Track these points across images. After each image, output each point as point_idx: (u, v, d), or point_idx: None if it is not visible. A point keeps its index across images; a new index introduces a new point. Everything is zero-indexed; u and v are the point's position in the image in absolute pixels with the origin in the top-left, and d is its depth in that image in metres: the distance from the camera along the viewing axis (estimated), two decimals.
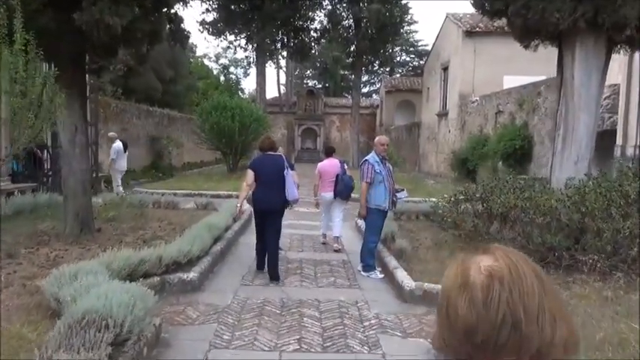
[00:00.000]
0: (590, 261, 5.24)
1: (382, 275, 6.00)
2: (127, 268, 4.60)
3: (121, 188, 12.30)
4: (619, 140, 10.35)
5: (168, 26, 7.59)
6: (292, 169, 6.19)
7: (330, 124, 41.09)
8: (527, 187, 6.40)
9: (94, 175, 12.97)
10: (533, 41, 7.28)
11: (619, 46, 6.69)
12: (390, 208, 6.26)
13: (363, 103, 34.94)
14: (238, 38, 29.22)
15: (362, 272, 6.12)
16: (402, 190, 6.44)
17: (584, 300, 4.68)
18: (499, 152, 15.41)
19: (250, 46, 29.56)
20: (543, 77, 16.16)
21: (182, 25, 8.46)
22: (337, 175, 7.29)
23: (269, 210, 5.76)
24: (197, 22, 28.17)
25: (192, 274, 5.17)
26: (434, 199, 9.31)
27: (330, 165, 7.74)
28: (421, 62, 54.52)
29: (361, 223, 9.03)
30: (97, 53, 6.76)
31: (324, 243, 8.03)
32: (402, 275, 5.44)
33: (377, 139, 6.34)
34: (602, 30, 6.16)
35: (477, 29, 20.38)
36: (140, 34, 6.42)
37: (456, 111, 21.25)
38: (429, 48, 53.80)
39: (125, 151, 12.79)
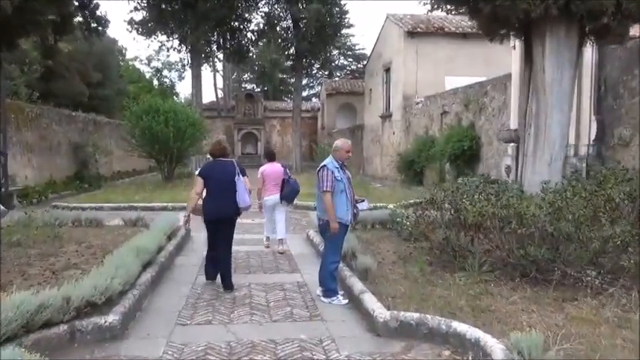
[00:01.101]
0: (583, 276, 4.63)
1: (346, 301, 5.14)
2: (20, 319, 3.45)
3: None
4: (572, 139, 10.11)
5: (80, 13, 6.35)
6: (244, 174, 5.78)
7: (271, 128, 40.05)
8: (501, 192, 5.77)
9: (1, 189, 11.27)
10: (499, 33, 6.67)
11: (589, 38, 6.23)
12: (352, 221, 5.42)
13: (304, 106, 34.25)
14: (171, 39, 27.60)
15: (322, 298, 5.23)
16: (363, 200, 5.62)
17: (585, 324, 4.03)
18: (447, 154, 15.07)
19: (184, 48, 28.03)
20: (483, 78, 16.06)
21: (99, 12, 7.20)
22: (283, 179, 7.46)
23: (221, 219, 5.59)
24: (125, 21, 26.27)
25: (111, 317, 4.05)
26: (390, 206, 8.59)
27: (272, 169, 7.83)
28: (359, 66, 54.92)
29: (314, 235, 8.17)
30: None
31: (267, 247, 8.00)
32: (371, 302, 4.60)
33: (339, 143, 5.41)
34: (575, 19, 5.67)
35: (419, 30, 20.17)
36: (42, 20, 5.21)
37: (400, 112, 20.92)
38: (366, 52, 54.08)
39: None
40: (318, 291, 5.33)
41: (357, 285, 5.14)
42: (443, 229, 5.92)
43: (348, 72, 52.41)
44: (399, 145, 20.85)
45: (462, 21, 22.07)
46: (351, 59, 55.35)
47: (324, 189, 5.08)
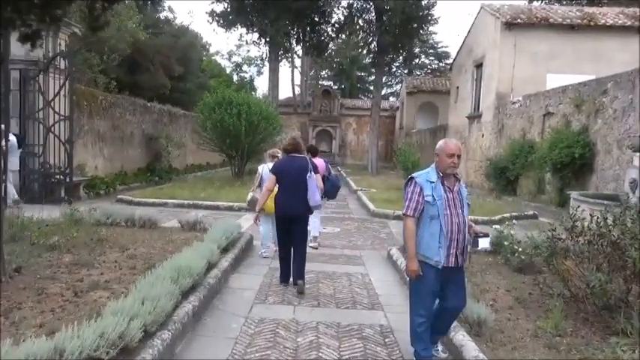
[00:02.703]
0: None
1: (446, 355, 3.67)
2: None
3: (13, 193, 9.53)
4: None
5: None
6: (316, 172, 5.58)
7: (347, 126, 38.76)
8: None
9: (67, 179, 10.78)
10: None
11: None
12: (456, 263, 3.63)
13: (382, 105, 32.69)
14: (250, 31, 27.03)
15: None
16: (486, 235, 3.84)
17: None
18: (551, 161, 12.94)
19: (263, 41, 27.38)
20: (592, 76, 13.71)
21: None
22: (324, 176, 6.85)
23: (293, 216, 5.42)
24: (206, 12, 26.03)
25: None
26: (496, 226, 6.91)
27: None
28: (441, 65, 52.47)
29: (397, 255, 6.71)
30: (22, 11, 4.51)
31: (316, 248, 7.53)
32: None
33: (440, 144, 3.68)
34: None
35: (519, 20, 17.92)
36: None
37: (491, 113, 18.79)
38: (449, 50, 51.83)
39: (20, 147, 10.00)
40: (410, 348, 3.87)
41: (468, 347, 3.62)
42: (592, 271, 4.22)
43: (429, 71, 50.06)
44: (489, 149, 18.74)
45: (570, 11, 19.53)
46: (432, 57, 53.04)
47: (404, 211, 3.60)
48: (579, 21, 17.88)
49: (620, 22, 17.79)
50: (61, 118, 10.77)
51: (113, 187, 13.30)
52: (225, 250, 6.16)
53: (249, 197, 7.09)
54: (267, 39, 26.44)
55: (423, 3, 23.97)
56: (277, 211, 5.50)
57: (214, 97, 16.43)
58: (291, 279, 5.52)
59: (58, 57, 10.65)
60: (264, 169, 6.81)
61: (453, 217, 3.51)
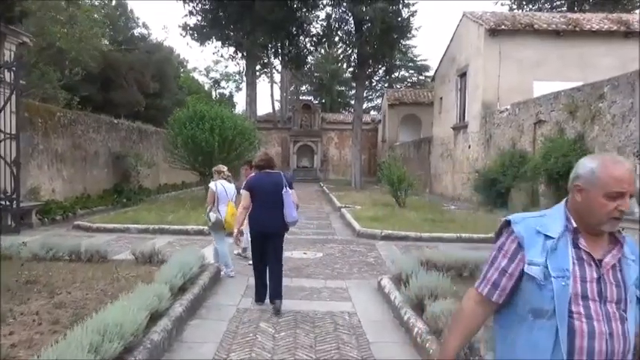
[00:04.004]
0: None
1: None
2: None
3: None
4: None
5: None
6: (291, 187, 5.35)
7: (328, 140, 37.93)
8: None
9: (13, 205, 9.56)
10: None
11: None
12: None
13: (364, 118, 31.94)
14: (226, 45, 26.10)
15: None
16: None
17: None
18: (546, 171, 12.13)
19: (239, 54, 26.46)
20: (579, 83, 13.06)
21: None
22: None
23: (269, 233, 5.28)
24: (179, 26, 25.05)
25: None
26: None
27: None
28: (421, 77, 52.26)
29: (389, 287, 5.69)
30: None
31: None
32: None
33: (595, 167, 1.77)
34: None
35: (503, 27, 17.31)
36: None
37: (477, 123, 18.05)
38: (428, 63, 51.80)
39: None
40: None
41: None
42: None
43: (409, 84, 49.86)
44: (477, 161, 17.95)
45: (554, 17, 19.04)
46: (412, 70, 52.91)
47: (477, 286, 1.85)
48: (564, 27, 17.35)
49: (605, 27, 17.31)
50: (7, 136, 9.59)
51: (73, 211, 12.07)
52: (182, 290, 5.07)
53: (213, 218, 6.46)
54: (244, 52, 25.56)
55: (403, 12, 23.37)
56: (253, 228, 5.34)
57: (185, 111, 15.36)
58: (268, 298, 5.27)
59: (2, 68, 9.50)
60: (217, 186, 6.57)
61: (596, 323, 1.60)
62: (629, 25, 17.41)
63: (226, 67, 52.80)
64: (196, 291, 5.19)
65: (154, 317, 4.10)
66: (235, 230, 5.48)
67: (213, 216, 6.51)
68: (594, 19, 18.02)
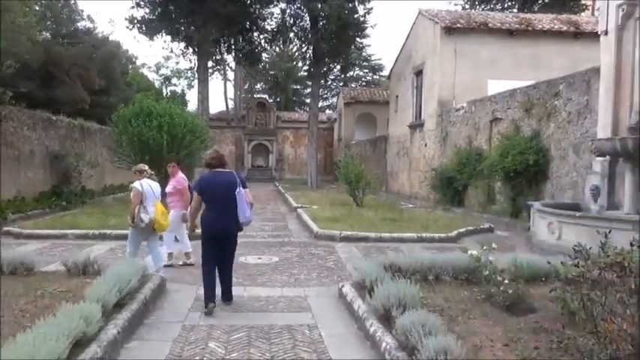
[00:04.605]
0: None
1: None
2: None
3: None
4: None
5: None
6: (245, 186, 5.21)
7: (284, 139, 37.32)
8: None
9: None
10: None
11: None
12: None
13: (319, 117, 31.55)
14: (176, 39, 25.02)
15: None
16: None
17: None
18: (503, 169, 12.07)
19: (190, 50, 25.44)
20: (531, 82, 13.14)
21: None
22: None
23: (223, 235, 5.20)
24: (125, 18, 23.82)
25: None
26: (473, 252, 5.62)
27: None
28: (375, 77, 52.49)
29: (352, 294, 5.25)
30: None
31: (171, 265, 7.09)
32: None
33: None
34: None
35: (458, 25, 17.30)
36: None
37: (434, 121, 18.00)
38: (382, 62, 52.10)
39: None
40: None
41: None
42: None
43: (364, 83, 49.96)
44: (433, 159, 17.90)
45: (507, 17, 19.25)
46: (367, 70, 53.06)
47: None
48: (517, 26, 17.54)
49: (555, 27, 17.62)
50: None
51: (3, 216, 10.98)
52: (119, 307, 4.43)
53: (146, 219, 6.03)
54: (195, 48, 24.60)
55: (358, 9, 23.10)
56: (206, 230, 5.14)
57: (131, 107, 14.41)
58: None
59: None
60: (143, 185, 6.20)
61: None
62: (579, 25, 17.80)
63: (177, 63, 51.08)
64: (135, 307, 4.55)
65: (81, 343, 3.47)
66: (189, 224, 5.47)
67: (146, 217, 6.07)
68: (545, 20, 18.33)
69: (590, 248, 3.35)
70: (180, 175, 7.36)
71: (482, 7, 26.28)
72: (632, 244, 3.09)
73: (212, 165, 5.24)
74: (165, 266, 6.76)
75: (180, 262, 7.20)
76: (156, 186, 6.38)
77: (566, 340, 3.11)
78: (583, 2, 26.08)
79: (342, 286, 5.66)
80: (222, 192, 5.06)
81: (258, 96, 44.16)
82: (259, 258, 7.82)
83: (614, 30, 9.00)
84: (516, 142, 11.96)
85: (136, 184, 6.24)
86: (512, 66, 17.13)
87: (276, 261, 7.62)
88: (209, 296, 5.07)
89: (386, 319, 4.40)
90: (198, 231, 5.36)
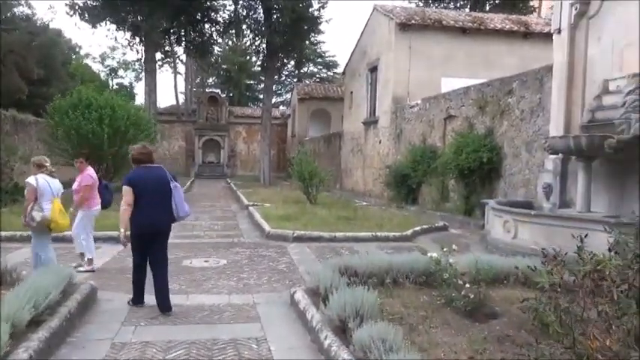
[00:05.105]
0: None
1: None
2: None
3: None
4: None
5: None
6: (175, 181, 5.10)
7: (236, 135, 36.48)
8: None
9: None
10: None
11: None
12: None
13: (273, 113, 30.94)
14: (122, 28, 23.75)
15: None
16: None
17: None
18: (457, 167, 12.02)
19: (137, 39, 24.24)
20: (484, 80, 13.21)
21: None
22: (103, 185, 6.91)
23: (156, 232, 4.98)
24: (66, 4, 22.35)
25: None
26: (433, 254, 5.33)
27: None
28: (330, 74, 52.29)
29: (305, 302, 4.84)
30: None
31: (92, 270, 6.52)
32: None
33: None
34: None
35: (413, 22, 17.21)
36: None
37: (388, 118, 17.87)
38: (337, 59, 52.00)
39: None
40: None
41: None
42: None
43: (318, 80, 49.64)
44: (387, 156, 17.77)
45: (461, 15, 19.37)
46: (321, 66, 52.73)
47: None
48: (470, 24, 17.65)
49: (507, 27, 17.86)
50: None
51: None
52: (36, 324, 3.81)
53: (38, 217, 5.51)
54: (142, 38, 23.45)
55: (313, 3, 22.69)
56: (137, 228, 4.91)
57: (69, 98, 13.38)
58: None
59: None
60: (39, 180, 5.63)
61: None
62: (528, 26, 18.12)
63: (124, 54, 49.04)
64: (56, 324, 3.94)
65: None
66: (122, 231, 4.93)
67: (38, 215, 5.53)
68: (497, 19, 18.55)
69: (563, 250, 3.08)
70: (88, 171, 6.75)
71: (436, 5, 26.47)
72: (610, 250, 2.84)
73: (140, 160, 5.08)
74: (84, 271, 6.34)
75: (82, 268, 6.50)
76: (54, 182, 5.78)
77: (540, 357, 2.81)
78: (531, 4, 26.76)
79: (295, 293, 5.24)
80: (155, 186, 4.94)
81: (210, 90, 42.95)
82: (206, 261, 7.28)
83: (567, 29, 8.99)
84: (470, 139, 11.92)
85: (31, 180, 5.66)
86: (465, 64, 17.23)
87: (224, 264, 7.10)
88: (138, 296, 5.04)
89: (342, 330, 4.02)
90: (128, 232, 4.92)
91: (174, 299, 5.07)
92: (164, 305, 4.88)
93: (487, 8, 25.59)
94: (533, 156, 10.47)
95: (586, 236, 2.94)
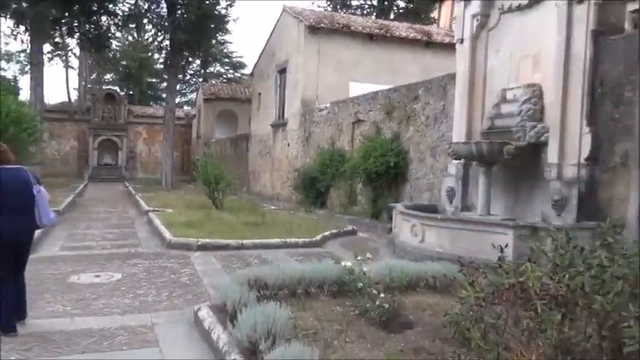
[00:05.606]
0: None
1: None
2: None
3: None
4: (552, 157, 7.64)
5: None
6: (39, 183, 4.63)
7: (136, 135, 34.42)
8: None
9: None
10: None
11: None
12: None
13: (177, 112, 29.57)
14: (4, 14, 21.29)
15: None
16: None
17: None
18: (365, 171, 12.12)
19: (22, 28, 21.89)
20: (389, 86, 13.59)
21: None
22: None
23: (20, 240, 4.55)
24: None
25: None
26: (347, 263, 5.13)
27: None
28: (237, 74, 51.31)
29: (211, 321, 4.39)
30: None
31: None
32: None
33: None
34: None
35: (322, 25, 17.22)
36: None
37: (297, 120, 17.71)
38: (244, 60, 51.24)
39: None
40: None
41: None
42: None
43: (225, 80, 48.53)
44: (296, 159, 17.60)
45: (368, 21, 19.77)
46: (227, 67, 51.62)
47: None
48: (377, 31, 18.04)
49: (411, 35, 18.50)
50: None
51: None
52: None
53: None
54: (27, 26, 21.20)
55: (221, 0, 21.93)
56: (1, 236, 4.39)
57: None
58: None
59: None
60: None
61: None
62: (431, 35, 18.92)
63: (7, 44, 44.35)
64: None
65: None
66: None
67: None
68: (402, 27, 19.17)
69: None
70: None
71: (344, 11, 26.91)
72: (529, 260, 2.77)
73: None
74: None
75: None
76: None
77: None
78: (432, 15, 28.14)
79: (199, 310, 4.76)
80: (16, 191, 4.44)
81: (108, 87, 40.19)
82: (97, 276, 6.51)
83: (468, 39, 9.35)
84: (378, 144, 12.06)
85: None
86: (372, 69, 17.57)
87: (117, 279, 6.38)
88: (10, 328, 4.30)
89: (252, 352, 3.65)
90: None
91: (55, 324, 4.38)
92: (20, 312, 4.48)
93: (392, 17, 26.45)
94: (437, 161, 10.80)
95: (506, 246, 2.84)
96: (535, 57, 8.25)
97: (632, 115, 6.77)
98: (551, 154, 7.63)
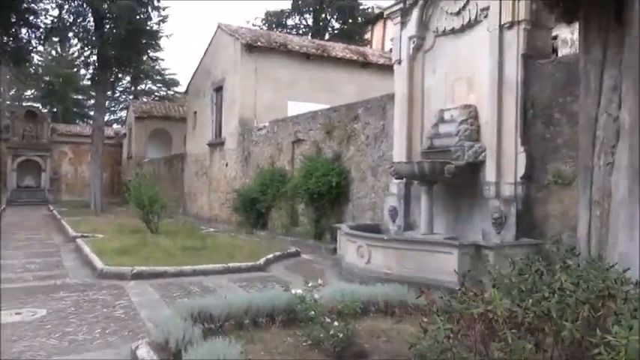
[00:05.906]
0: None
1: None
2: None
3: None
4: (490, 176, 7.88)
5: None
6: None
7: (61, 155, 32.41)
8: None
9: None
10: None
11: None
12: None
13: (106, 132, 28.10)
14: None
15: None
16: None
17: None
18: (307, 191, 11.98)
19: None
20: (327, 106, 13.71)
21: None
22: None
23: None
24: None
25: None
26: (298, 291, 4.91)
27: None
28: (169, 92, 50.02)
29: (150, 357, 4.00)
30: None
31: None
32: None
33: None
34: None
35: (259, 44, 17.09)
36: None
37: (235, 140, 17.35)
38: (177, 77, 50.13)
39: None
40: None
41: None
42: None
43: (157, 98, 47.08)
44: (235, 180, 17.19)
45: (304, 41, 19.88)
46: (160, 84, 50.17)
47: None
48: (314, 50, 18.16)
49: (347, 56, 18.79)
50: None
51: None
52: None
53: None
54: None
55: (153, 15, 21.29)
56: None
57: None
58: None
59: None
60: None
61: None
62: (366, 56, 19.32)
63: None
64: None
65: None
66: None
67: None
68: (338, 48, 19.44)
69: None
70: None
71: (280, 30, 26.99)
72: (494, 285, 2.71)
73: None
74: None
75: None
76: None
77: None
78: (365, 37, 28.86)
79: (137, 348, 4.35)
80: None
81: (29, 104, 37.72)
82: (18, 313, 5.86)
83: (406, 60, 9.54)
84: (319, 163, 11.98)
85: None
86: (309, 89, 17.61)
87: (42, 315, 5.77)
88: None
89: None
90: None
91: None
92: None
93: (327, 37, 26.85)
94: (378, 180, 10.86)
95: (469, 272, 2.77)
96: (469, 79, 8.53)
97: (562, 135, 7.12)
98: (489, 173, 7.85)
